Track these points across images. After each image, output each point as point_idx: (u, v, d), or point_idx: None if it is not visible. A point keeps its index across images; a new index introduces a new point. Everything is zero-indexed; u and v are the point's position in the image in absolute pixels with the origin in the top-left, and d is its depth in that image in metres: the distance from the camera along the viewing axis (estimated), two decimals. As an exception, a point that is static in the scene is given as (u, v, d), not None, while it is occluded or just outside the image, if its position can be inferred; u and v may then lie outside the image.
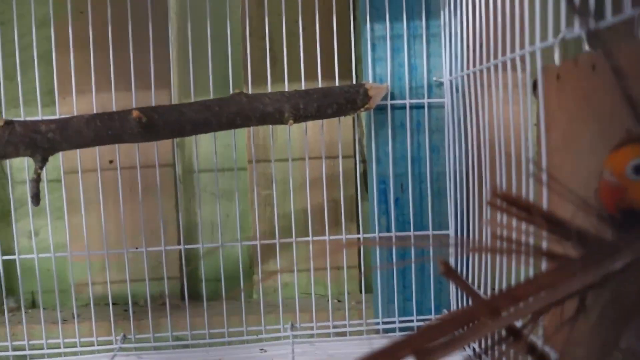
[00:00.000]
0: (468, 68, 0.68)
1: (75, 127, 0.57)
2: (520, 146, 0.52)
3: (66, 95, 0.88)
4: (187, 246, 0.81)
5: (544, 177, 0.44)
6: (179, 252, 0.91)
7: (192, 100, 0.83)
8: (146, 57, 0.81)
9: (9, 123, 0.55)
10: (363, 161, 0.94)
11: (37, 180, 0.57)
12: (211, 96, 0.81)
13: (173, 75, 0.92)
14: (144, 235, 0.76)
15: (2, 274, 0.79)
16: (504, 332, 0.29)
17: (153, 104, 0.82)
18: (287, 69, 0.76)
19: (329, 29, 0.75)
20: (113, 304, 0.90)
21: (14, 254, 0.77)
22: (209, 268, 0.91)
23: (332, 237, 0.78)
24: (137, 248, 0.79)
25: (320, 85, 0.75)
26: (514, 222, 0.31)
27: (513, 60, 0.53)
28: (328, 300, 0.80)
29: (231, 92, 0.82)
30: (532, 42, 0.49)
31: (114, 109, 0.81)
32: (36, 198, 0.57)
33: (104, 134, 0.58)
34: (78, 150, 0.75)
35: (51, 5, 0.81)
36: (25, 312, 0.90)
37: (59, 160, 0.80)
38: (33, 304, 0.95)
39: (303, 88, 0.77)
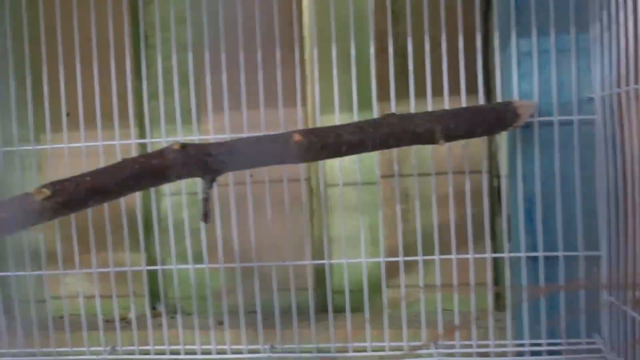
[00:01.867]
0: (627, 84, 0.65)
1: (242, 150, 0.61)
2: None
3: (203, 114, 0.93)
4: (315, 262, 0.84)
5: None
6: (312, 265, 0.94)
7: (319, 117, 0.86)
8: (276, 77, 0.84)
9: (183, 146, 0.60)
10: (496, 176, 0.93)
11: (207, 200, 0.61)
12: (337, 115, 0.83)
13: (302, 93, 0.95)
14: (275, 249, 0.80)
15: (145, 283, 0.86)
16: None
17: (282, 122, 0.86)
18: (415, 85, 0.77)
19: (465, 44, 0.75)
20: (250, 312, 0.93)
21: (159, 264, 0.83)
22: (340, 281, 0.94)
23: (459, 256, 0.78)
24: (284, 261, 0.82)
25: (447, 101, 0.75)
26: None
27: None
28: (461, 317, 0.80)
29: (355, 109, 0.84)
30: None
31: (245, 128, 0.86)
32: (206, 216, 0.61)
33: (268, 156, 0.61)
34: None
35: (189, 30, 0.87)
36: (172, 318, 0.96)
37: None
38: (174, 311, 1.01)
39: (429, 103, 0.77)
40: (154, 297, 0.99)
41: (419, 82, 0.78)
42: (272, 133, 0.61)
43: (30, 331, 0.87)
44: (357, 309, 0.89)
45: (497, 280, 0.90)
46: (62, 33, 0.85)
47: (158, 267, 0.83)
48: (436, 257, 0.77)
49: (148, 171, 0.59)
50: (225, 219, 0.87)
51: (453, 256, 0.76)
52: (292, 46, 0.87)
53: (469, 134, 0.67)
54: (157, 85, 0.89)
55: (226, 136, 0.82)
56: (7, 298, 0.89)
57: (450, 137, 0.66)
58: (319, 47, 0.84)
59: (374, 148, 0.64)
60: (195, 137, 0.84)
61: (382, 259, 0.79)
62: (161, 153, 0.60)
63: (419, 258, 0.77)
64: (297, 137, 0.60)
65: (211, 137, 0.84)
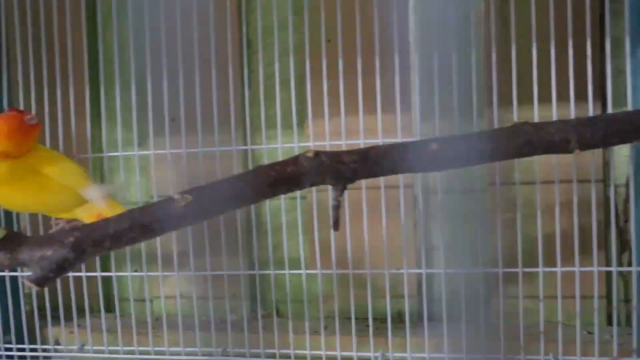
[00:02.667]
0: None
1: (374, 159, 0.60)
2: None
3: (317, 118, 0.94)
4: (428, 270, 0.83)
5: None
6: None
7: (437, 124, 0.85)
8: (390, 82, 0.84)
9: (317, 154, 0.60)
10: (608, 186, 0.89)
11: (337, 207, 0.60)
12: (455, 120, 0.83)
13: (416, 99, 0.94)
14: (388, 256, 0.79)
15: (258, 285, 0.87)
16: None
17: (399, 128, 0.85)
18: (521, 91, 0.75)
19: (580, 49, 0.73)
20: (354, 318, 0.93)
21: (265, 266, 0.84)
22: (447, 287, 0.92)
23: (582, 269, 0.75)
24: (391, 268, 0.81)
25: (573, 109, 0.73)
26: None
27: None
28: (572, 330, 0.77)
29: (474, 115, 0.83)
30: None
31: (362, 133, 0.86)
32: (337, 224, 0.61)
33: (400, 165, 0.60)
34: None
35: (307, 33, 0.88)
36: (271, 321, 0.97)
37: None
38: (277, 313, 1.01)
39: (554, 111, 0.76)
40: (254, 299, 1.00)
41: (527, 88, 0.77)
42: (408, 140, 0.61)
43: (130, 330, 0.89)
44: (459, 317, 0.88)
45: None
46: (166, 39, 0.87)
47: (271, 272, 0.84)
48: (558, 269, 0.74)
49: (283, 178, 0.59)
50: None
51: (576, 269, 0.74)
52: (400, 52, 0.87)
53: (604, 143, 0.64)
54: (258, 91, 0.91)
55: (325, 143, 0.83)
56: (108, 296, 0.92)
57: (585, 146, 0.63)
58: (422, 53, 0.83)
59: (507, 157, 0.62)
60: (294, 144, 0.85)
61: (500, 270, 0.77)
62: (295, 160, 0.60)
63: (540, 270, 0.75)
64: (434, 145, 0.59)
65: (310, 143, 0.85)
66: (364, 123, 0.82)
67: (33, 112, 0.90)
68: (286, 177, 0.59)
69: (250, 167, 0.93)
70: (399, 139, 0.84)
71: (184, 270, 0.86)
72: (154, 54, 0.89)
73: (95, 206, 0.78)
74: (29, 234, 0.88)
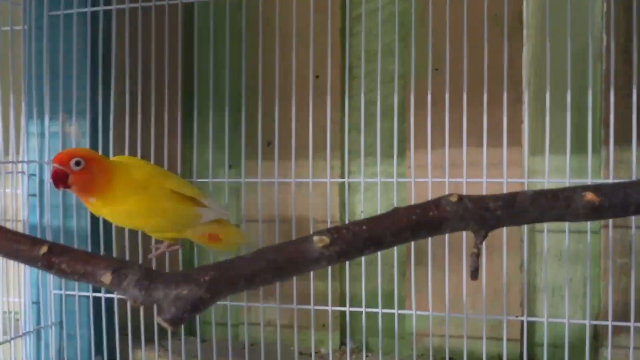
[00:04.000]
0: None
1: (521, 205, 0.57)
2: None
3: (418, 149, 0.91)
4: (529, 319, 0.80)
5: None
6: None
7: (547, 159, 0.81)
8: (498, 115, 0.81)
9: (460, 199, 0.56)
10: None
11: (477, 255, 0.57)
12: (567, 155, 0.78)
13: (525, 132, 0.90)
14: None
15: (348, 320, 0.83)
16: None
17: (505, 162, 0.81)
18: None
19: None
20: (450, 359, 0.89)
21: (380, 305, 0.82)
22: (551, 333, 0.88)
23: None
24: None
25: None
26: None
27: None
28: None
29: (589, 151, 0.79)
30: None
31: (465, 166, 0.82)
32: (476, 272, 0.57)
33: (548, 213, 0.57)
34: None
35: (414, 62, 0.85)
36: (367, 357, 0.94)
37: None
38: (367, 348, 0.98)
39: None
40: (343, 333, 0.97)
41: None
42: (557, 188, 0.57)
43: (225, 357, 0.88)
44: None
45: None
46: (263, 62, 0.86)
47: (379, 311, 0.81)
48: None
49: (425, 223, 0.56)
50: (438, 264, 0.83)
51: None
52: (514, 86, 0.84)
53: None
54: (358, 119, 0.89)
55: (427, 179, 0.80)
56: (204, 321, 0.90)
57: None
58: (537, 88, 0.80)
59: (666, 209, 0.58)
60: (393, 180, 0.82)
61: (609, 323, 0.73)
62: (437, 205, 0.57)
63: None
64: (589, 195, 0.55)
65: (411, 179, 0.82)
66: (450, 157, 0.80)
67: (126, 133, 0.90)
68: (428, 221, 0.56)
69: (346, 196, 0.90)
70: (504, 176, 0.81)
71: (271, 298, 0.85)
72: (250, 77, 0.88)
73: (207, 227, 0.76)
74: (127, 257, 0.87)
